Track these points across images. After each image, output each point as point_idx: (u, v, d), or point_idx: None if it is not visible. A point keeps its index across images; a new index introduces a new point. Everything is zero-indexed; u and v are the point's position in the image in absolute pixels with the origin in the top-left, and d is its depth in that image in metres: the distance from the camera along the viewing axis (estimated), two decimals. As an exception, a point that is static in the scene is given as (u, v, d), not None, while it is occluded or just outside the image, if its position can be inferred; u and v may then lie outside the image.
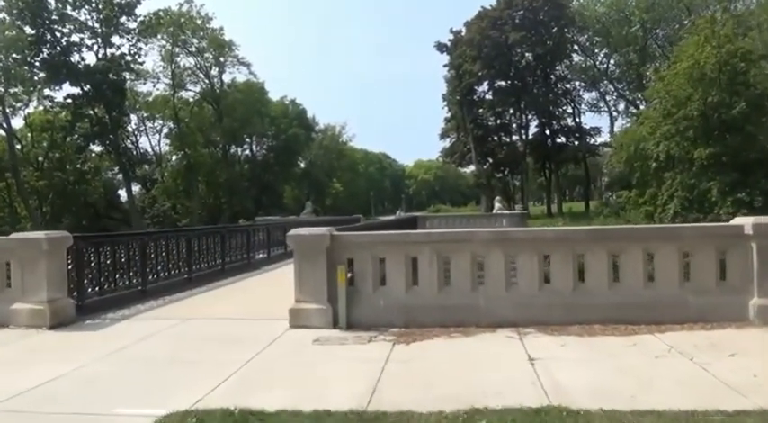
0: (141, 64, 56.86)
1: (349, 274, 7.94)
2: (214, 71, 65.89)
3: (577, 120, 66.41)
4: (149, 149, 68.48)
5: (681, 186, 30.82)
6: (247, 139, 74.61)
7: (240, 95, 67.13)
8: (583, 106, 67.71)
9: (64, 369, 5.99)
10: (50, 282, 8.39)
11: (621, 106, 64.89)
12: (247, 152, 76.68)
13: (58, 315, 8.34)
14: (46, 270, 8.34)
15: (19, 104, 51.71)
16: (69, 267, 9.05)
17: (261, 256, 18.04)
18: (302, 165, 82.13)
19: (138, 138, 67.27)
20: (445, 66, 66.10)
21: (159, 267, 11.96)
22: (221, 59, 64.89)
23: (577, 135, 64.16)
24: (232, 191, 65.27)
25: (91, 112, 52.86)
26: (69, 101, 52.10)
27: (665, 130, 30.99)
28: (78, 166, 56.60)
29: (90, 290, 9.63)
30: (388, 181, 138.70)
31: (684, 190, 30.81)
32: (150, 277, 11.39)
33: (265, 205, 66.96)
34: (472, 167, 71.38)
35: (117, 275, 10.47)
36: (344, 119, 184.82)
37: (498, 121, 65.71)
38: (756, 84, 29.90)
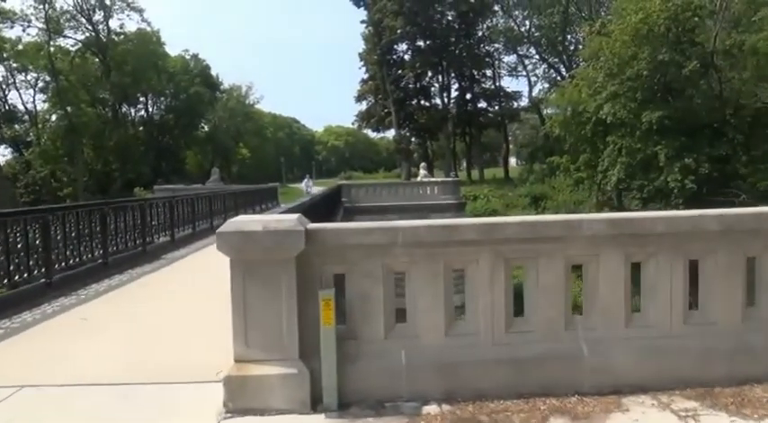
0: (4, 0, 47.93)
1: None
2: (98, 16, 57.28)
3: (498, 84, 64.73)
4: (21, 106, 59.27)
5: (625, 151, 29.03)
6: (142, 98, 66.58)
7: (131, 46, 58.97)
8: (502, 70, 66.10)
9: None
10: None
11: (540, 71, 63.81)
12: (142, 113, 68.69)
13: None
14: None
15: None
16: None
17: (163, 240, 13.63)
18: (206, 128, 75.08)
19: (7, 92, 57.88)
20: (363, 22, 61.73)
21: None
22: (107, 2, 56.32)
23: (500, 99, 62.38)
24: (125, 156, 57.87)
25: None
26: None
27: (611, 90, 28.89)
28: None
29: None
30: (298, 147, 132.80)
31: (629, 155, 29.07)
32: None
33: (165, 172, 60.20)
34: (390, 132, 68.18)
35: None
36: (251, 79, 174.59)
37: (419, 84, 62.52)
38: (704, 42, 28.36)
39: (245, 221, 3.97)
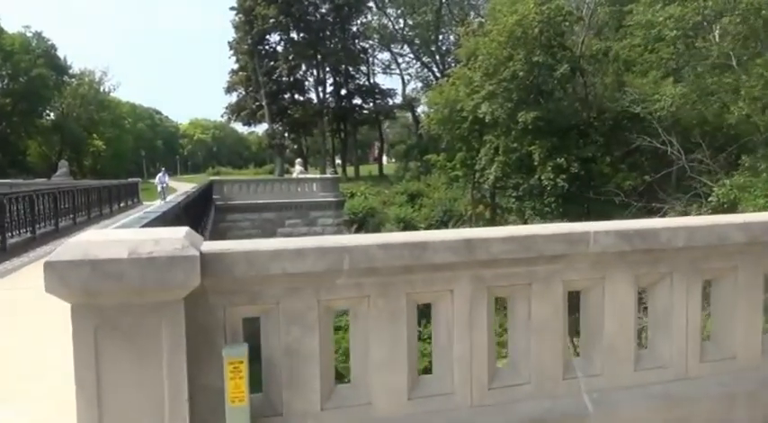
0: None
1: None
2: None
3: (372, 81, 64.50)
4: None
5: (502, 150, 29.60)
6: (-30, 79, 57.94)
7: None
8: (376, 68, 66.06)
9: None
10: None
11: (413, 70, 64.60)
12: (-29, 96, 59.76)
13: None
14: None
15: None
16: None
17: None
18: (52, 115, 67.12)
19: None
20: (232, 8, 58.26)
21: None
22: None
23: (374, 96, 62.10)
24: (-51, 145, 49.81)
25: None
26: None
27: (489, 90, 29.26)
28: None
29: None
30: (161, 140, 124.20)
31: (505, 154, 29.68)
32: None
33: (1, 165, 52.72)
34: (263, 126, 65.43)
35: None
36: (107, 65, 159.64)
37: (292, 77, 60.39)
38: (572, 47, 29.66)
39: (99, 243, 2.39)
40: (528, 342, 3.10)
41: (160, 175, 31.89)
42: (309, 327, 2.76)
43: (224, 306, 2.65)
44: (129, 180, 33.15)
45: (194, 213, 14.76)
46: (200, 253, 2.47)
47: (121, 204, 27.01)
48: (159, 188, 31.08)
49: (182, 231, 2.56)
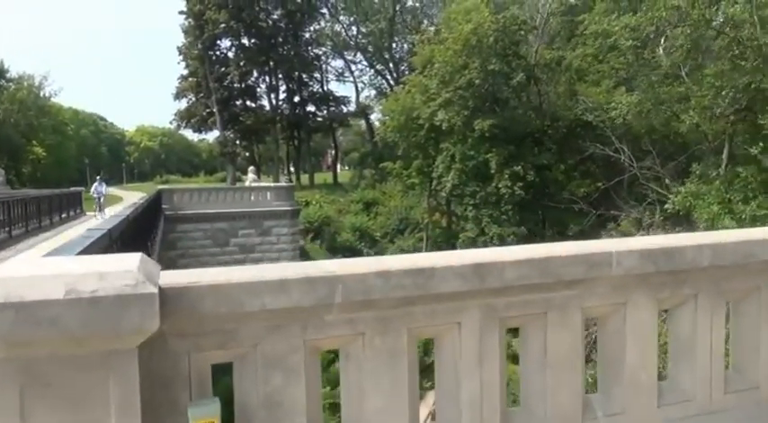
0: None
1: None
2: None
3: (325, 88, 63.91)
4: None
5: (459, 158, 29.56)
6: None
7: None
8: (330, 75, 65.57)
9: None
10: None
11: (366, 77, 64.43)
12: None
13: None
14: None
15: None
16: None
17: None
18: (-14, 121, 63.65)
19: None
20: (182, 12, 56.67)
21: None
22: None
23: (328, 104, 61.53)
24: None
25: None
26: None
27: (445, 97, 29.21)
28: None
29: None
30: (106, 147, 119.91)
31: (462, 162, 29.65)
32: None
33: (-72, 174, 49.30)
34: (214, 134, 63.89)
35: None
36: (48, 69, 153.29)
37: (244, 84, 59.21)
38: (526, 56, 29.96)
39: (26, 279, 1.83)
40: (543, 379, 2.70)
41: (96, 184, 27.04)
42: (294, 372, 2.28)
43: (188, 352, 2.14)
44: (72, 189, 31.38)
45: (143, 227, 13.86)
46: (159, 288, 1.95)
47: (63, 215, 25.55)
48: (96, 199, 26.80)
49: (134, 260, 2.03)
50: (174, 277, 2.14)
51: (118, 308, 1.83)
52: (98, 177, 28.01)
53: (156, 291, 1.89)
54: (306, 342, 2.30)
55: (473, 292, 2.48)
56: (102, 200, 26.83)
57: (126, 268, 1.93)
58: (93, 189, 27.19)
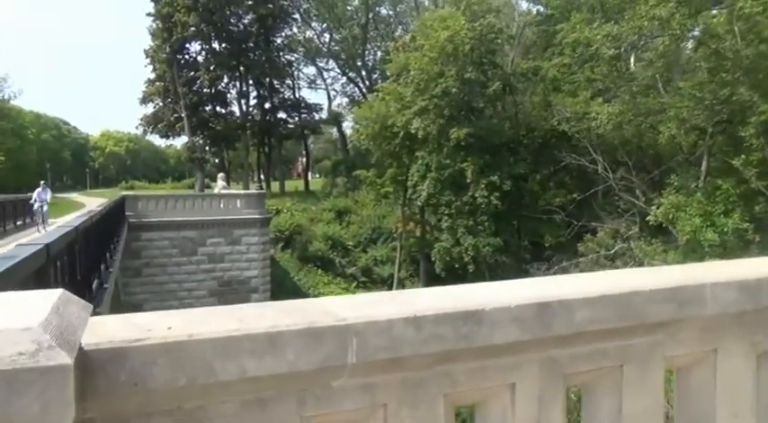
0: None
1: None
2: None
3: (297, 95, 63.06)
4: None
5: (434, 167, 29.08)
6: None
7: None
8: (301, 82, 64.78)
9: None
10: None
11: (339, 85, 63.87)
12: None
13: None
14: None
15: None
16: None
17: None
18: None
19: None
20: (150, 14, 55.20)
21: None
22: None
23: (299, 111, 60.68)
24: None
25: None
26: None
27: (421, 105, 28.71)
28: None
29: None
30: (69, 152, 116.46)
31: (438, 170, 29.16)
32: None
33: None
34: (182, 139, 62.31)
35: None
36: (6, 71, 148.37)
37: (214, 89, 57.92)
38: (503, 65, 29.73)
39: None
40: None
41: (39, 190, 22.53)
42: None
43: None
44: (28, 194, 29.79)
45: (100, 238, 12.80)
46: (79, 352, 1.22)
47: (18, 222, 24.14)
48: (37, 209, 22.36)
49: (40, 309, 1.28)
50: (109, 330, 1.40)
51: (3, 392, 1.09)
52: (42, 183, 23.57)
53: (70, 362, 1.15)
54: (304, 420, 1.58)
55: (534, 342, 1.80)
56: (45, 209, 22.34)
57: (23, 325, 1.18)
58: (34, 196, 22.59)
